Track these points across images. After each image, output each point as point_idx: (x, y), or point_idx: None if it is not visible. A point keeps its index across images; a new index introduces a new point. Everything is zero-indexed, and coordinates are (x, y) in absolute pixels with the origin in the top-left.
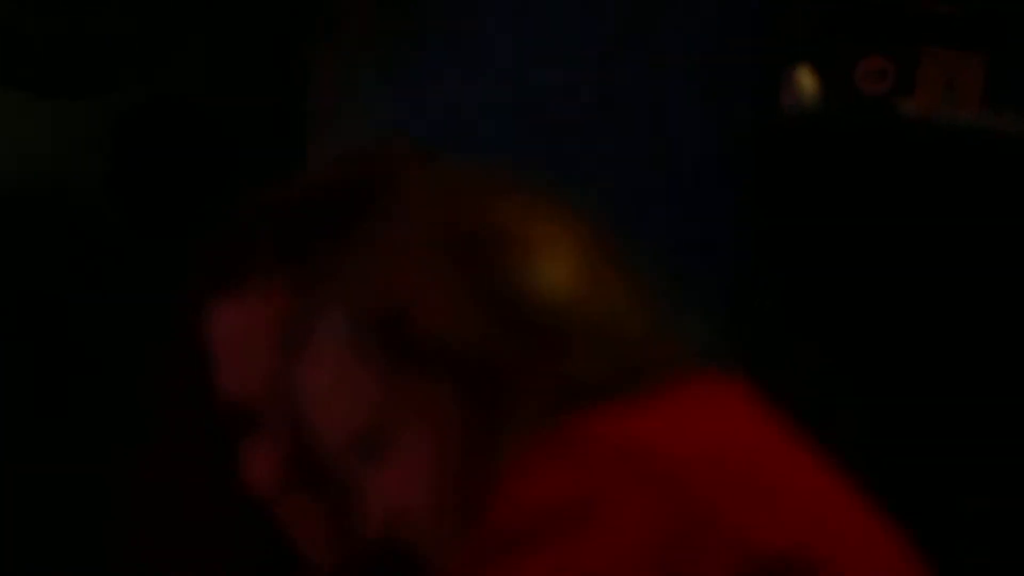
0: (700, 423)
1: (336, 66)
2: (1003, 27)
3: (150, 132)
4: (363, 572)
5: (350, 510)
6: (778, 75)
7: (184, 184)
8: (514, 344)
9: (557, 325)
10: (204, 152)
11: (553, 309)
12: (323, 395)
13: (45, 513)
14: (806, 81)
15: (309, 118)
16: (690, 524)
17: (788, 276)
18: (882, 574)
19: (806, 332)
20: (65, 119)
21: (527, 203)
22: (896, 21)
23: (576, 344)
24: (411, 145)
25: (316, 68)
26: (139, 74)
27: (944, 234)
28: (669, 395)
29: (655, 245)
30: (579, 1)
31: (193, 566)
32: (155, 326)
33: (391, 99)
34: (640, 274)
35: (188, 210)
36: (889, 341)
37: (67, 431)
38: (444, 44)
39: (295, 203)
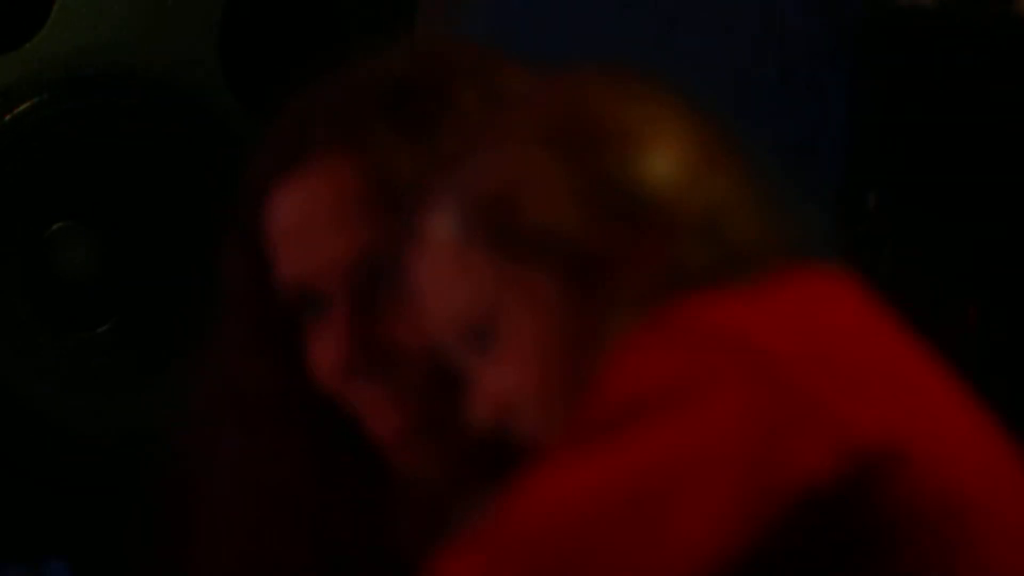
0: (806, 314)
1: None
2: None
3: (261, 12)
4: (456, 466)
5: (434, 401)
6: None
7: (294, 63)
8: (619, 231)
9: (662, 213)
10: (314, 35)
11: (658, 197)
12: (434, 285)
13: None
14: None
15: (419, 3)
16: (791, 415)
17: (896, 175)
18: (982, 470)
19: (912, 234)
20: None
21: (633, 93)
22: None
23: (682, 232)
24: (479, 44)
25: None
26: None
27: None
28: (776, 286)
29: (762, 139)
30: None
31: (263, 473)
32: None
33: None
34: (749, 167)
35: (297, 90)
36: (997, 248)
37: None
38: None
39: (360, 85)
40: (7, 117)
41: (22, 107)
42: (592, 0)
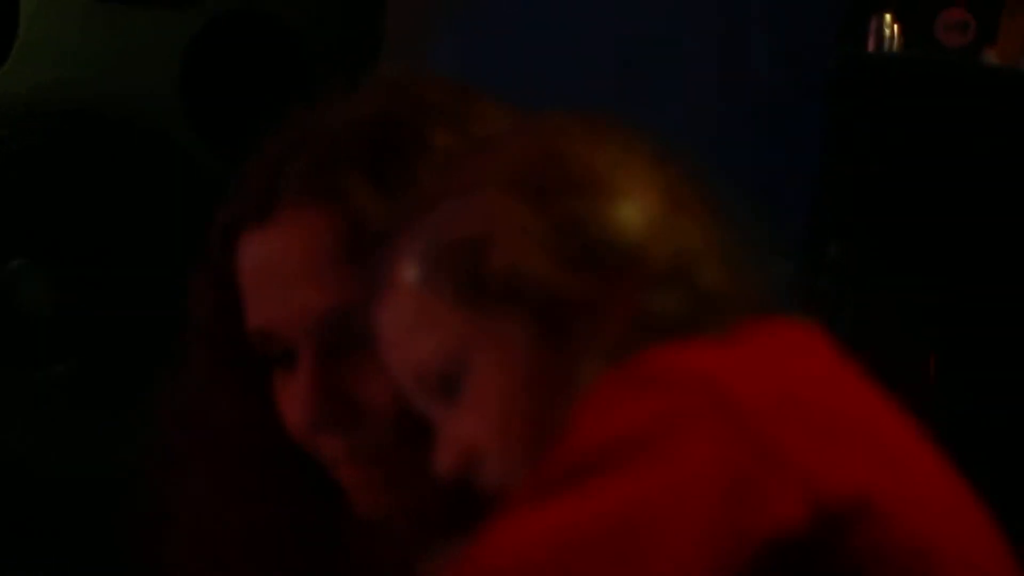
0: (776, 363)
1: None
2: None
3: (224, 49)
4: (423, 515)
5: (401, 450)
6: (862, 22)
7: (256, 103)
8: (589, 279)
9: (632, 259)
10: (278, 71)
11: (628, 244)
12: (398, 334)
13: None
14: (888, 30)
15: (385, 39)
16: (760, 464)
17: (858, 225)
18: (948, 518)
19: (873, 284)
20: (134, 31)
21: (603, 139)
22: None
23: (652, 279)
24: (452, 81)
25: None
26: None
27: None
28: (745, 335)
29: (733, 186)
30: None
31: (229, 512)
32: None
33: (468, 28)
34: (716, 214)
35: (259, 130)
36: (969, 289)
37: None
38: None
39: (333, 130)
40: None
41: None
42: (555, 41)
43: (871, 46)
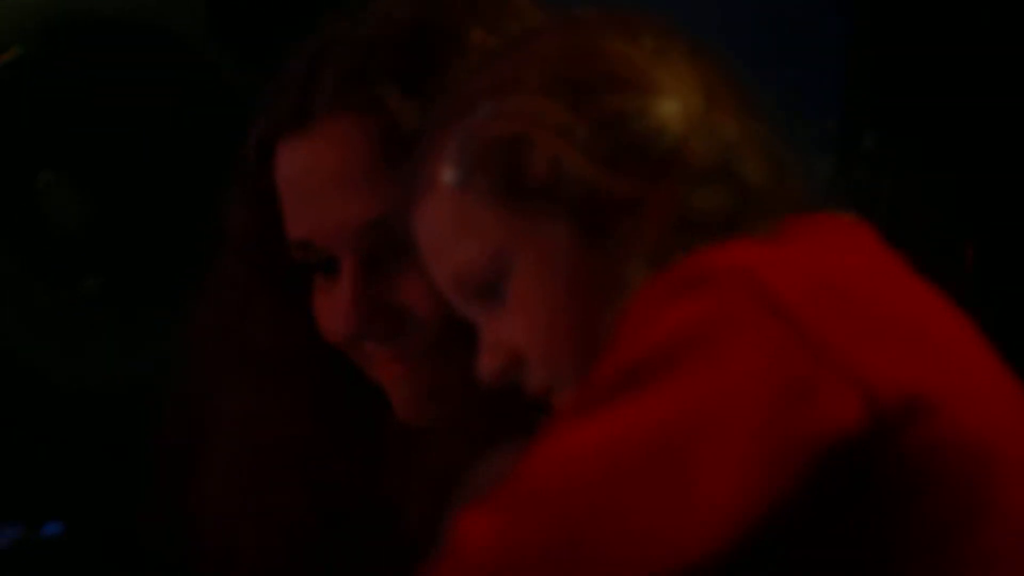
0: (823, 259)
1: None
2: None
3: None
4: (466, 422)
5: (445, 355)
6: None
7: (281, 13)
8: (631, 176)
9: (674, 157)
10: None
11: (669, 140)
12: (438, 241)
13: None
14: None
15: None
16: (811, 363)
17: (893, 113)
18: (1004, 417)
19: (909, 172)
20: None
21: (639, 37)
22: None
23: (695, 176)
24: None
25: None
26: None
27: None
28: (791, 231)
29: (765, 80)
30: None
31: (267, 421)
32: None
33: None
34: (756, 110)
35: (285, 40)
36: (1005, 176)
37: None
38: None
39: (366, 37)
40: None
41: (3, 56)
42: None
43: None
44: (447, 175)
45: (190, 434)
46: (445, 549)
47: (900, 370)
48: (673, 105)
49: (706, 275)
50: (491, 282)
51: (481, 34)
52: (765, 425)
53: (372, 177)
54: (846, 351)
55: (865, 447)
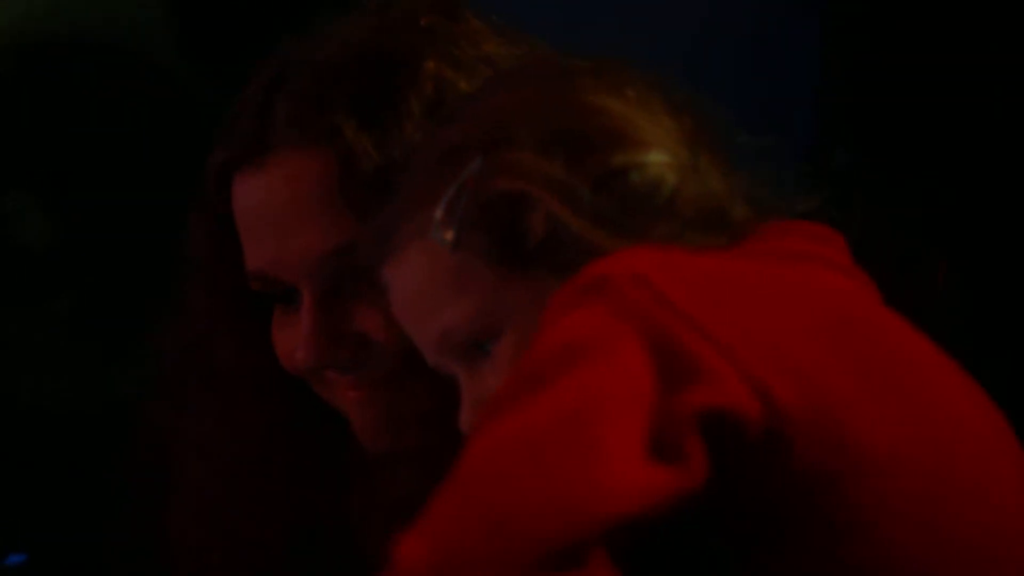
0: (734, 263)
1: None
2: None
3: None
4: (426, 449)
5: (405, 382)
6: None
7: (248, 28)
8: (628, 233)
9: (670, 210)
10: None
11: (663, 195)
12: (430, 296)
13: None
14: None
15: None
16: (695, 345)
17: (864, 131)
18: (906, 419)
19: (880, 190)
20: None
21: (621, 86)
22: None
23: (687, 225)
24: (441, 2)
25: None
26: None
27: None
28: (756, 241)
29: (738, 97)
30: None
31: (231, 447)
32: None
33: None
34: (730, 154)
35: (251, 55)
36: (978, 193)
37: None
38: None
39: (321, 65)
40: None
41: None
42: None
43: None
44: (440, 232)
45: (157, 459)
46: None
47: (798, 366)
48: (665, 157)
49: (600, 281)
50: (480, 340)
51: (437, 62)
52: (654, 400)
53: (328, 209)
54: (733, 340)
55: (765, 434)
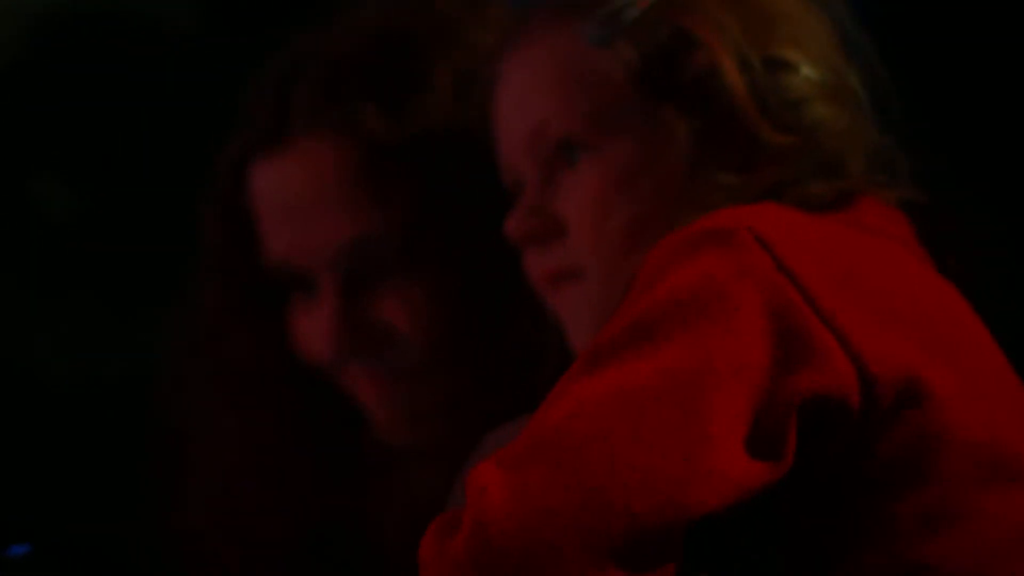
0: (845, 236)
1: None
2: None
3: None
4: (444, 444)
5: (425, 376)
6: None
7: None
8: (770, 123)
9: (807, 136)
10: None
11: (809, 120)
12: (547, 84)
13: None
14: None
15: None
16: (806, 326)
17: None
18: (1005, 414)
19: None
20: None
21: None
22: None
23: (810, 164)
24: None
25: None
26: None
27: None
28: (837, 208)
29: None
30: None
31: (247, 441)
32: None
33: None
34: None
35: (275, 32)
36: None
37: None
38: None
39: (339, 52)
40: None
41: None
42: None
43: None
44: (596, 28)
45: (170, 452)
46: (463, 507)
47: (899, 353)
48: (823, 77)
49: (724, 234)
50: (575, 145)
51: (455, 48)
52: (765, 379)
53: (350, 196)
54: (846, 322)
55: (857, 421)
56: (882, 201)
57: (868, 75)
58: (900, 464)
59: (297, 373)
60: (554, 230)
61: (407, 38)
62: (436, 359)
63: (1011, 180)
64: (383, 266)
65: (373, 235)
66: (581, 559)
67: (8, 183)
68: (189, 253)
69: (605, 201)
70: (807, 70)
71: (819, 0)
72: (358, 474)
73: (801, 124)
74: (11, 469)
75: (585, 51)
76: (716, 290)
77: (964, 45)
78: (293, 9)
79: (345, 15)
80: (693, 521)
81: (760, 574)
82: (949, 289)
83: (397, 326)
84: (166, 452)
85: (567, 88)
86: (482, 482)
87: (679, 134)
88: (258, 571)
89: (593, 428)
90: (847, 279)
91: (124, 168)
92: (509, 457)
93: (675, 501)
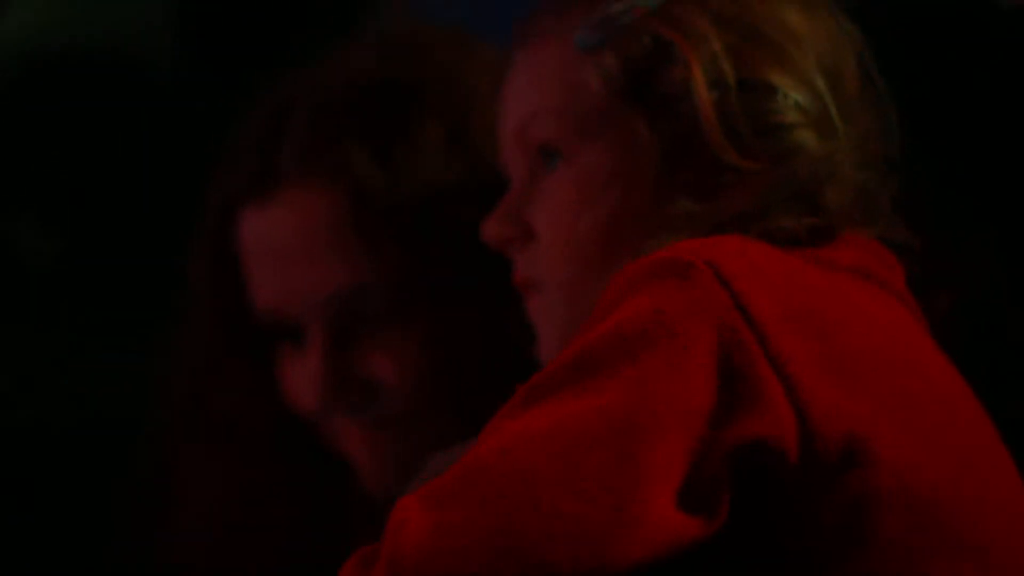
0: (808, 275)
1: None
2: None
3: None
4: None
5: (411, 427)
6: None
7: (252, 45)
8: (743, 147)
9: (783, 157)
10: (276, 12)
11: (786, 146)
12: (537, 81)
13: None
14: None
15: None
16: (759, 371)
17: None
18: (959, 474)
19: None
20: None
21: (817, 14)
22: None
23: (782, 194)
24: (448, 30)
25: None
26: None
27: None
28: (821, 246)
29: None
30: None
31: (234, 488)
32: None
33: None
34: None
35: (255, 70)
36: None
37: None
38: None
39: (330, 96)
40: None
41: None
42: None
43: None
44: (584, 34)
45: (157, 500)
46: (381, 541)
47: (848, 409)
48: (810, 103)
49: (677, 265)
50: (553, 147)
51: (446, 92)
52: (704, 427)
53: (339, 246)
54: (797, 370)
55: (795, 477)
56: (867, 238)
57: (881, 110)
58: (840, 528)
59: (284, 420)
60: (524, 237)
61: (400, 87)
62: (423, 410)
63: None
64: (371, 317)
65: (362, 285)
66: None
67: None
68: (170, 293)
69: (572, 212)
70: (789, 96)
71: (841, 29)
72: (345, 525)
73: (774, 151)
74: None
75: (573, 56)
76: (666, 326)
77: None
78: (275, 48)
79: (337, 57)
80: None
81: None
82: (924, 342)
83: (384, 378)
84: (149, 493)
85: (551, 92)
86: (403, 516)
87: (650, 150)
88: None
89: (520, 467)
90: (806, 323)
91: (107, 207)
92: (434, 491)
93: (597, 553)
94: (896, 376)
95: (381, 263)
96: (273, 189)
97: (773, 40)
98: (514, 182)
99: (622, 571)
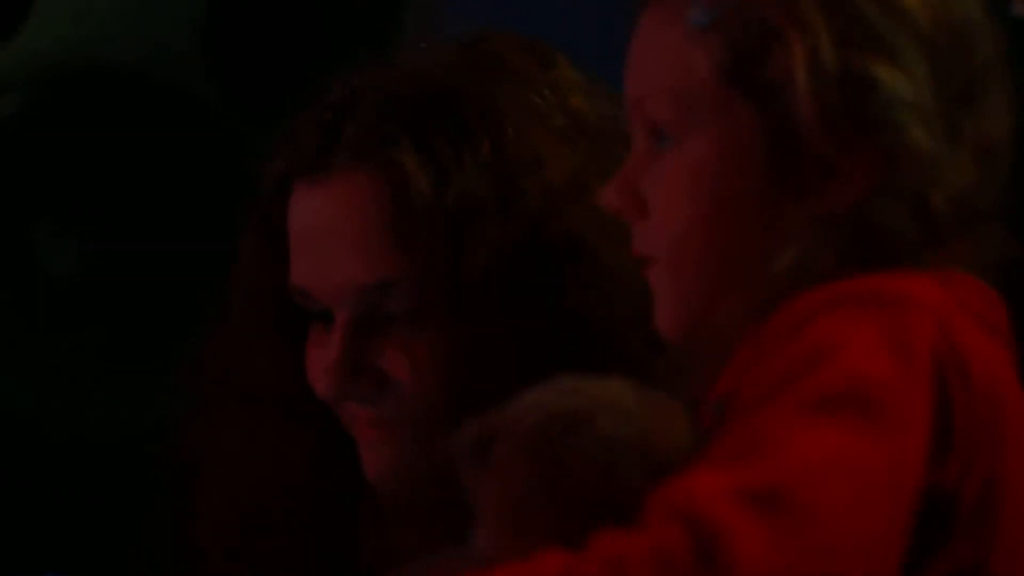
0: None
1: None
2: None
3: (247, 4)
4: (423, 501)
5: (419, 431)
6: None
7: (280, 60)
8: (850, 143)
9: (885, 157)
10: (303, 27)
11: (889, 142)
12: (651, 53)
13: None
14: None
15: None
16: (953, 427)
17: None
18: None
19: None
20: None
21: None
22: None
23: (887, 189)
24: (525, 41)
25: None
26: None
27: None
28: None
29: None
30: None
31: (263, 463)
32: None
33: None
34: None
35: (285, 84)
36: None
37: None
38: None
39: (398, 93)
40: None
41: (4, 103)
42: None
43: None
44: (692, 11)
45: (187, 473)
46: (697, 538)
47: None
48: (916, 99)
49: (900, 302)
50: (665, 130)
51: (515, 108)
52: (917, 476)
53: (377, 240)
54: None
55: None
56: (975, 279)
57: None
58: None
59: (314, 403)
60: (638, 212)
61: (467, 94)
62: (433, 418)
63: None
64: (395, 314)
65: (392, 281)
66: None
67: (14, 231)
68: (197, 306)
69: (679, 201)
70: (897, 90)
71: (972, 22)
72: (359, 516)
73: (879, 150)
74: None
75: (688, 33)
76: (899, 386)
77: None
78: (302, 65)
79: (414, 57)
80: None
81: None
82: (1013, 378)
83: (399, 375)
84: (181, 475)
85: (665, 71)
86: (730, 526)
87: (755, 144)
88: None
89: (841, 498)
90: (966, 376)
91: (130, 225)
92: (747, 495)
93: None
94: (1009, 427)
95: (413, 263)
96: (326, 172)
97: (886, 32)
98: (634, 150)
99: None
